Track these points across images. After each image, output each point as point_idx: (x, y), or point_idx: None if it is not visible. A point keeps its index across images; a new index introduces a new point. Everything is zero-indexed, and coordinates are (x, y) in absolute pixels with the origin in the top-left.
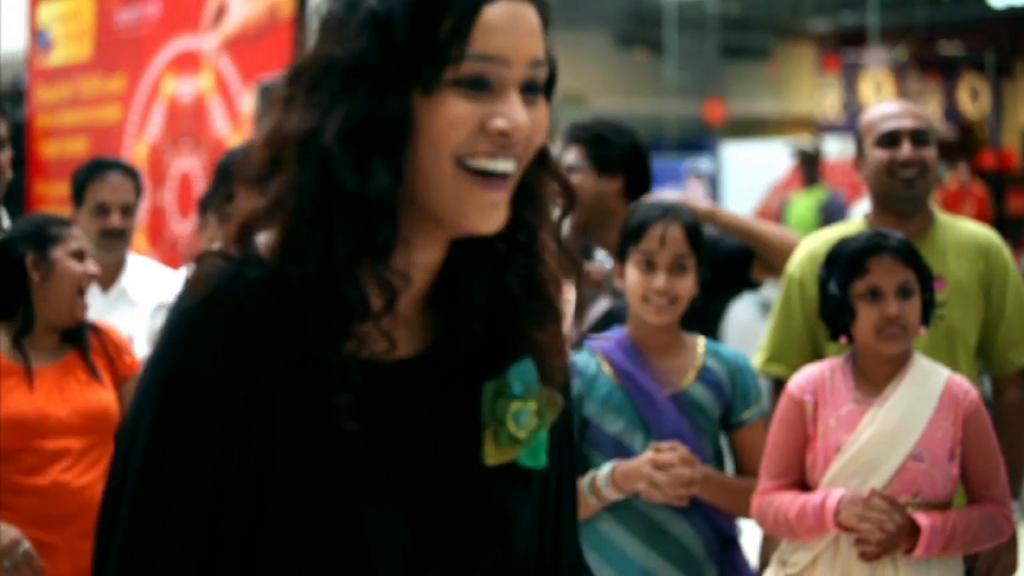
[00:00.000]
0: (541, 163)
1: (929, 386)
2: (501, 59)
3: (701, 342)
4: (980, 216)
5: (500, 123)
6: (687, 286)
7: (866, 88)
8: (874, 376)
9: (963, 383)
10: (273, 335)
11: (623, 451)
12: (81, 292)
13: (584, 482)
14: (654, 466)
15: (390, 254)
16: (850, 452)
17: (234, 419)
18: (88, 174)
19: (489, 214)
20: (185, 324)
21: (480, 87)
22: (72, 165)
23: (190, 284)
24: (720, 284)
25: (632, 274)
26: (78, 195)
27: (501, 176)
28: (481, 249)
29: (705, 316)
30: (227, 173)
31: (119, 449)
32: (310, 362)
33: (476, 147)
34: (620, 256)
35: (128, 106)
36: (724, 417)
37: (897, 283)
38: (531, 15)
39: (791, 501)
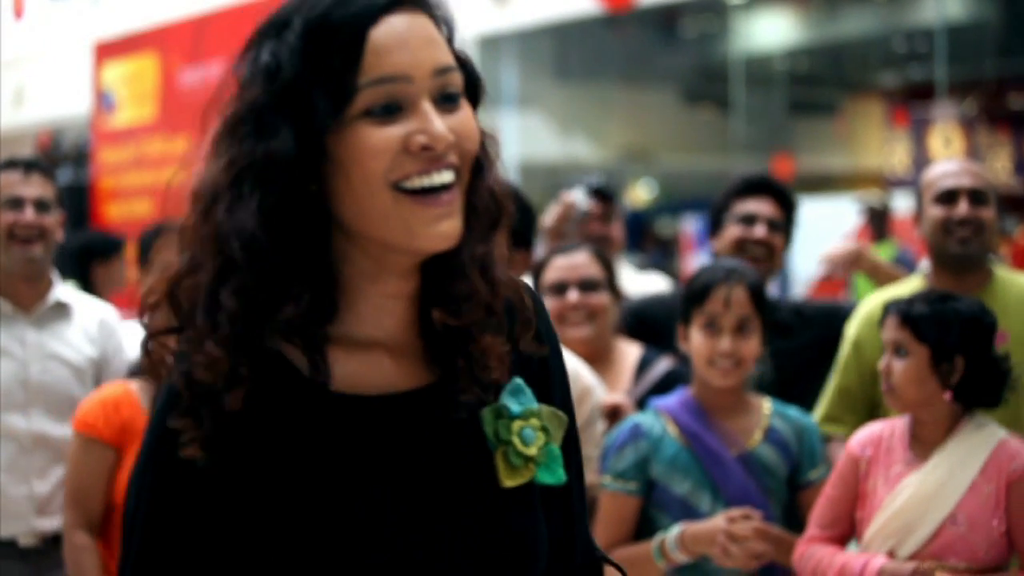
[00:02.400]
0: (478, 175)
1: (977, 449)
2: (401, 77)
3: (767, 403)
4: None
5: (420, 139)
6: (752, 348)
7: (935, 142)
8: (927, 438)
9: (1015, 447)
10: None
11: (690, 512)
12: None
13: (652, 545)
14: (728, 537)
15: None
16: (887, 514)
17: (224, 483)
18: (154, 236)
19: (439, 229)
20: (160, 407)
21: (390, 111)
22: (136, 226)
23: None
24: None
25: (696, 337)
26: (144, 256)
27: (441, 189)
28: (448, 269)
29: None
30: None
31: (126, 507)
32: (295, 410)
33: (406, 169)
34: (684, 319)
35: (192, 168)
36: (791, 478)
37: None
38: (425, 24)
39: (832, 557)
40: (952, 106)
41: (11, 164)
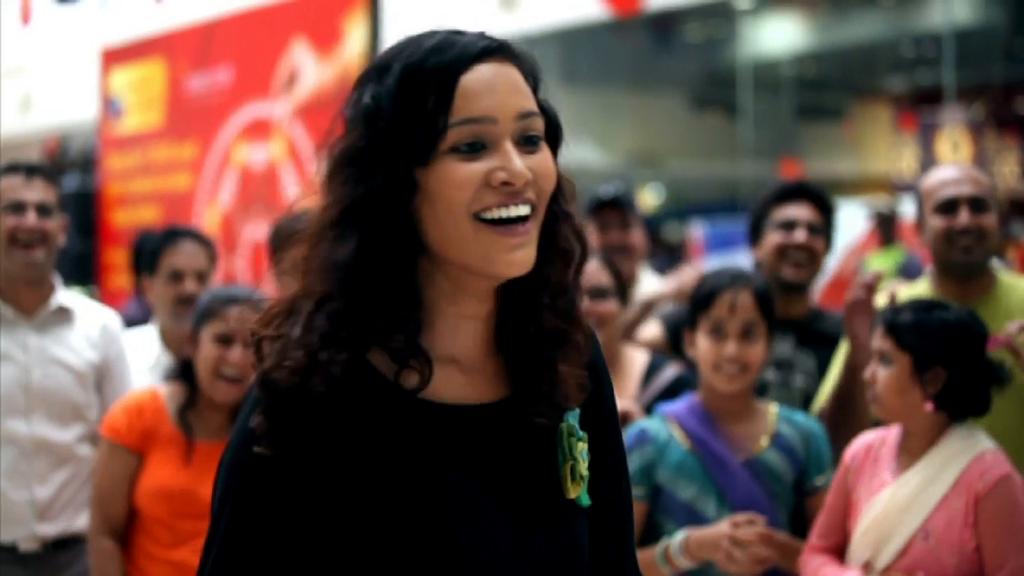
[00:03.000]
0: (558, 214)
1: (952, 462)
2: (487, 119)
3: (773, 408)
4: None
5: (501, 175)
6: (758, 353)
7: (943, 147)
8: (912, 448)
9: (989, 461)
10: (337, 404)
11: (695, 518)
12: (222, 376)
13: (657, 550)
14: (732, 542)
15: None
16: (863, 525)
17: (303, 487)
18: (162, 242)
19: (514, 257)
20: (246, 410)
21: (475, 149)
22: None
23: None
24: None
25: (702, 342)
26: (151, 263)
27: (517, 221)
28: (528, 296)
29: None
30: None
31: (212, 506)
32: (378, 417)
33: (487, 201)
34: (690, 324)
35: (199, 173)
36: (798, 483)
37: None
38: (512, 73)
39: (816, 569)
40: (960, 111)
41: (13, 168)
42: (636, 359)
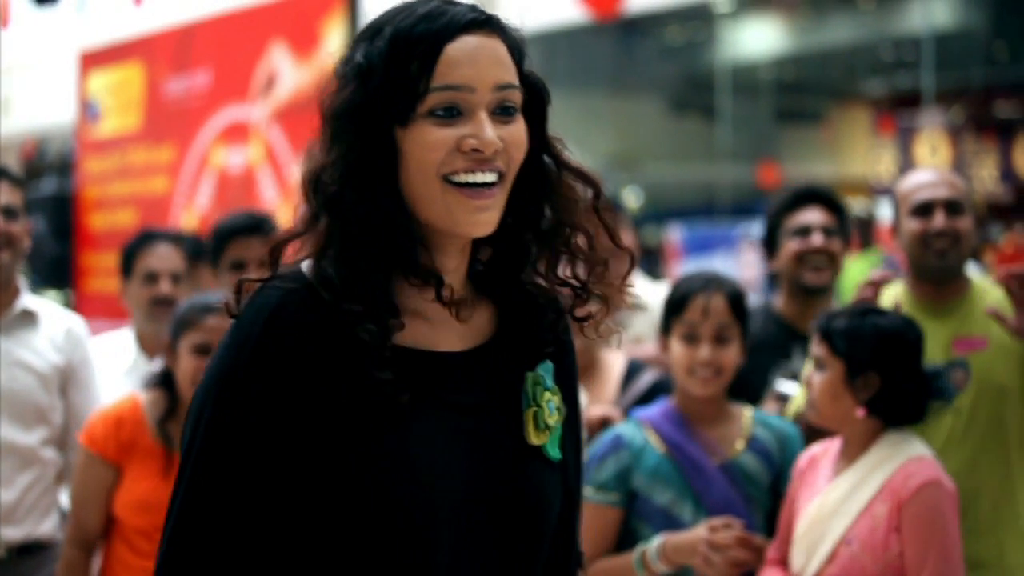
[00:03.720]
0: (556, 163)
1: (879, 469)
2: (466, 87)
3: (748, 412)
4: None
5: (472, 142)
6: (732, 357)
7: (921, 150)
8: (848, 456)
9: (915, 467)
10: (317, 335)
11: (672, 523)
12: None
13: (633, 556)
14: (710, 546)
15: (412, 256)
16: (798, 533)
17: (280, 415)
18: (137, 244)
19: (478, 218)
20: (235, 336)
21: (451, 114)
22: (120, 236)
23: (243, 302)
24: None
25: (676, 347)
26: (127, 266)
27: (483, 186)
28: (516, 248)
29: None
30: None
31: (182, 445)
32: (355, 354)
33: (456, 165)
34: (664, 329)
35: (176, 177)
36: (774, 486)
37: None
38: (496, 46)
39: None
40: (939, 114)
41: None
42: (614, 363)
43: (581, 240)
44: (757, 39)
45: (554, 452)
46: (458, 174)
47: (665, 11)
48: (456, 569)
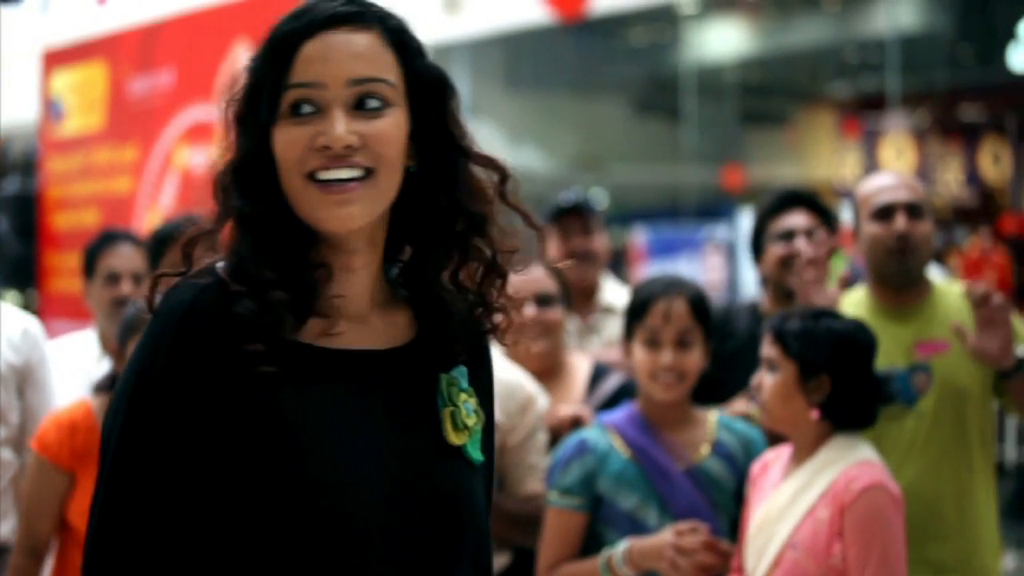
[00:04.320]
0: (461, 155)
1: (824, 472)
2: (317, 84)
3: (713, 416)
4: (1002, 283)
5: (321, 140)
6: (694, 361)
7: (887, 153)
8: (797, 459)
9: (857, 471)
10: (227, 330)
11: (637, 527)
12: None
13: (600, 561)
14: (676, 551)
15: (297, 256)
16: (748, 537)
17: (195, 410)
18: (99, 245)
19: (337, 213)
20: (150, 332)
21: (307, 112)
22: (83, 236)
23: (156, 301)
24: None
25: (638, 351)
26: (89, 267)
27: (343, 182)
28: (431, 250)
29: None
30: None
31: (102, 443)
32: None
33: (313, 163)
34: (627, 334)
35: (140, 177)
36: (738, 491)
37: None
38: (357, 40)
39: None
40: (904, 117)
41: None
42: (580, 367)
43: (496, 233)
44: (722, 41)
45: (476, 454)
46: (317, 171)
47: (630, 12)
48: (379, 566)
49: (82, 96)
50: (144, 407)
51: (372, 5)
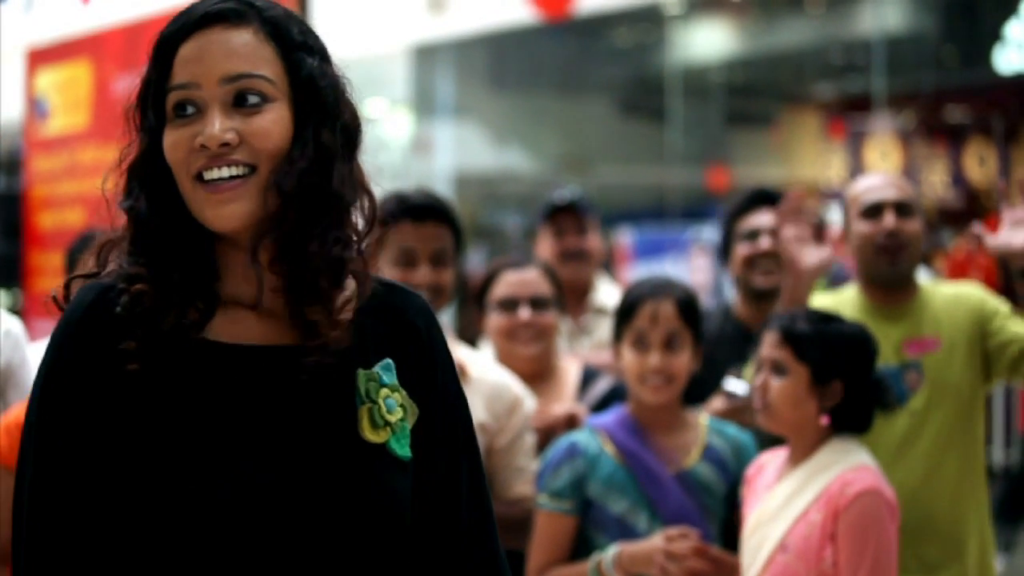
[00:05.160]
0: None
1: (819, 476)
2: (192, 84)
3: (703, 419)
4: (988, 284)
5: (198, 140)
6: (682, 363)
7: (872, 155)
8: (795, 462)
9: (853, 476)
10: (125, 326)
11: (627, 532)
12: None
13: (589, 566)
14: (666, 556)
15: (190, 254)
16: (743, 539)
17: (98, 406)
18: (81, 245)
19: (221, 211)
20: (54, 334)
21: (189, 114)
22: (69, 236)
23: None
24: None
25: (627, 354)
26: (71, 268)
27: (223, 180)
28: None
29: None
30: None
31: (20, 440)
32: (166, 345)
33: (197, 164)
34: (615, 336)
35: (125, 176)
36: (729, 496)
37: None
38: (231, 38)
39: None
40: (889, 118)
41: None
42: (570, 370)
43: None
44: (707, 42)
45: (402, 450)
46: (203, 172)
47: (615, 13)
48: (276, 566)
49: (67, 95)
50: (46, 407)
51: (250, 1)
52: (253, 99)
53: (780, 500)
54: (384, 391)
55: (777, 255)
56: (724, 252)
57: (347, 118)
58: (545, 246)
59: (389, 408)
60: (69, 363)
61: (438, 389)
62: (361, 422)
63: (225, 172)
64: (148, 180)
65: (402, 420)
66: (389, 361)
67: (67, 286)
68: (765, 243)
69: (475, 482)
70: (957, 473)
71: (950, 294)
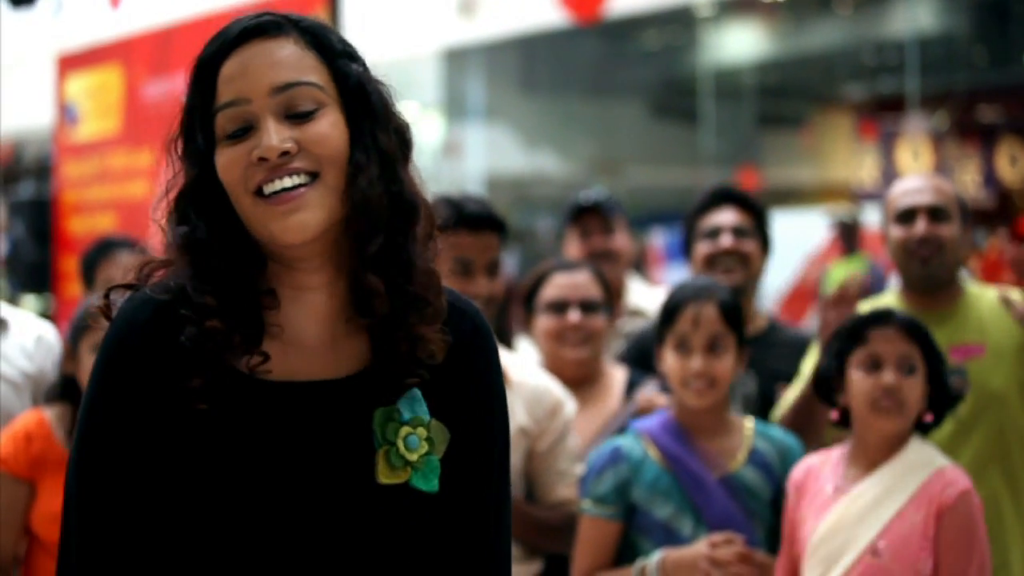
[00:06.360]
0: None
1: (910, 476)
2: (240, 100)
3: (749, 423)
4: (1019, 283)
5: (256, 153)
6: (725, 367)
7: (903, 155)
8: (869, 461)
9: (951, 475)
10: (175, 347)
11: (672, 537)
12: None
13: (633, 572)
14: (711, 563)
15: (246, 279)
16: (813, 544)
17: (149, 424)
18: (97, 254)
19: (287, 222)
20: (102, 351)
21: (242, 132)
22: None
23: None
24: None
25: (669, 358)
26: (88, 275)
27: (288, 190)
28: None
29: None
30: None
31: (69, 464)
32: (208, 371)
33: (257, 179)
34: (658, 339)
35: (156, 181)
36: (775, 500)
37: (898, 355)
38: (273, 49)
39: None
40: (921, 119)
41: None
42: (616, 375)
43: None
44: (739, 43)
45: (427, 485)
46: (263, 186)
47: (646, 15)
48: None
49: (97, 100)
50: (98, 422)
51: (283, 13)
52: (305, 107)
53: (867, 501)
54: (404, 430)
55: (738, 253)
56: (686, 250)
57: (398, 122)
58: (572, 248)
59: (410, 446)
60: (124, 386)
61: (482, 415)
62: (377, 465)
63: (288, 182)
64: (203, 207)
65: (427, 454)
66: (416, 392)
67: (107, 295)
68: (726, 241)
69: (501, 515)
70: (1002, 480)
71: (997, 300)
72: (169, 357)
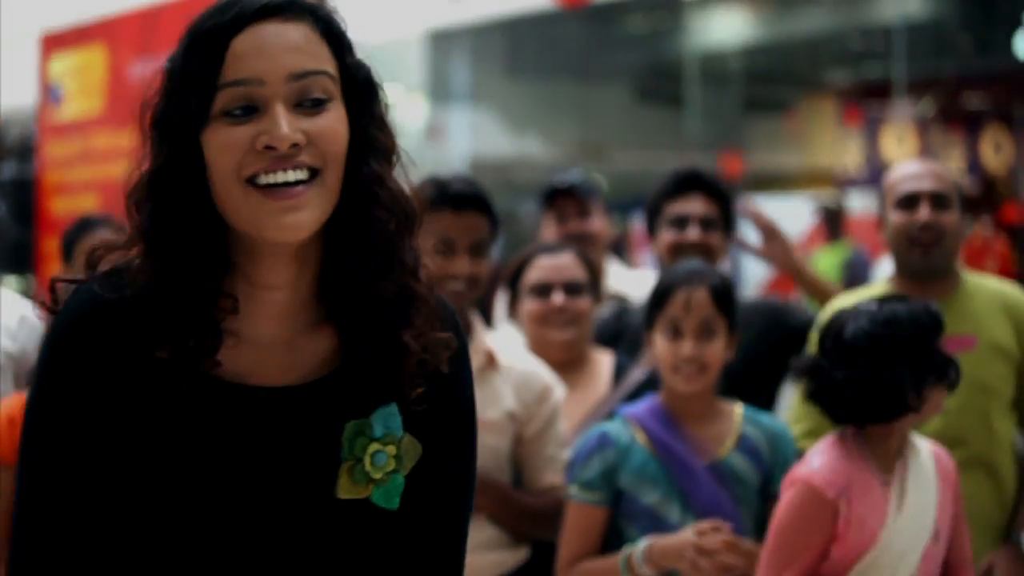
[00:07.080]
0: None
1: (927, 459)
2: (254, 80)
3: (738, 409)
4: (1003, 271)
5: (264, 139)
6: (716, 351)
7: (888, 142)
8: (888, 454)
9: (937, 447)
10: (121, 348)
11: (659, 524)
12: None
13: (619, 559)
14: (697, 551)
15: (212, 272)
16: (881, 544)
17: (95, 426)
18: (76, 232)
19: (284, 220)
20: (43, 350)
21: (245, 112)
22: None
23: (53, 310)
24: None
25: (660, 342)
26: (68, 254)
27: (289, 185)
28: (350, 264)
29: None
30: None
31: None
32: (158, 374)
33: (255, 166)
34: (648, 324)
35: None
36: (763, 487)
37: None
38: (292, 33)
39: None
40: (907, 105)
41: None
42: (603, 360)
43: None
44: (725, 28)
45: (388, 503)
46: (260, 175)
47: None
48: None
49: (81, 80)
50: (39, 424)
51: None
52: (317, 98)
53: (918, 493)
54: (374, 446)
55: (704, 246)
56: (650, 232)
57: (390, 120)
58: (549, 231)
59: (376, 463)
60: (64, 388)
61: (456, 431)
62: (340, 479)
63: (291, 176)
64: (175, 189)
65: (392, 472)
66: (392, 407)
67: (52, 288)
68: (693, 235)
69: (462, 531)
70: (989, 473)
71: (995, 294)
72: (111, 357)
